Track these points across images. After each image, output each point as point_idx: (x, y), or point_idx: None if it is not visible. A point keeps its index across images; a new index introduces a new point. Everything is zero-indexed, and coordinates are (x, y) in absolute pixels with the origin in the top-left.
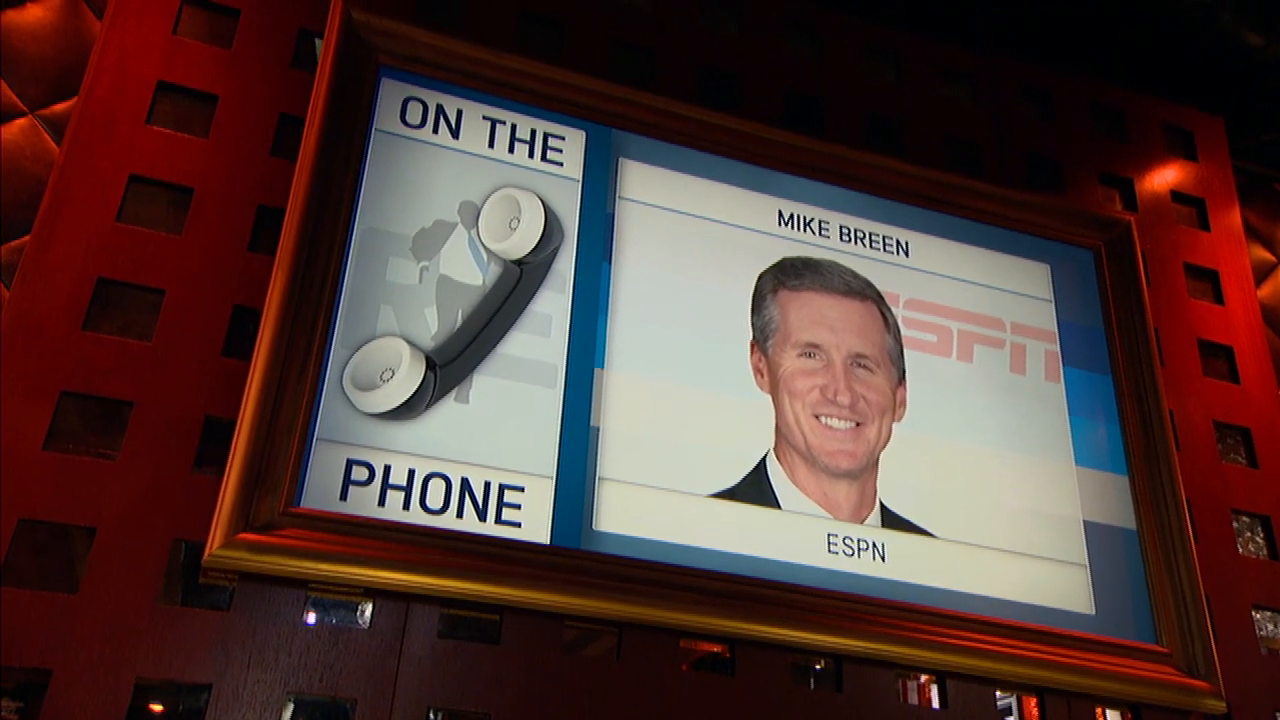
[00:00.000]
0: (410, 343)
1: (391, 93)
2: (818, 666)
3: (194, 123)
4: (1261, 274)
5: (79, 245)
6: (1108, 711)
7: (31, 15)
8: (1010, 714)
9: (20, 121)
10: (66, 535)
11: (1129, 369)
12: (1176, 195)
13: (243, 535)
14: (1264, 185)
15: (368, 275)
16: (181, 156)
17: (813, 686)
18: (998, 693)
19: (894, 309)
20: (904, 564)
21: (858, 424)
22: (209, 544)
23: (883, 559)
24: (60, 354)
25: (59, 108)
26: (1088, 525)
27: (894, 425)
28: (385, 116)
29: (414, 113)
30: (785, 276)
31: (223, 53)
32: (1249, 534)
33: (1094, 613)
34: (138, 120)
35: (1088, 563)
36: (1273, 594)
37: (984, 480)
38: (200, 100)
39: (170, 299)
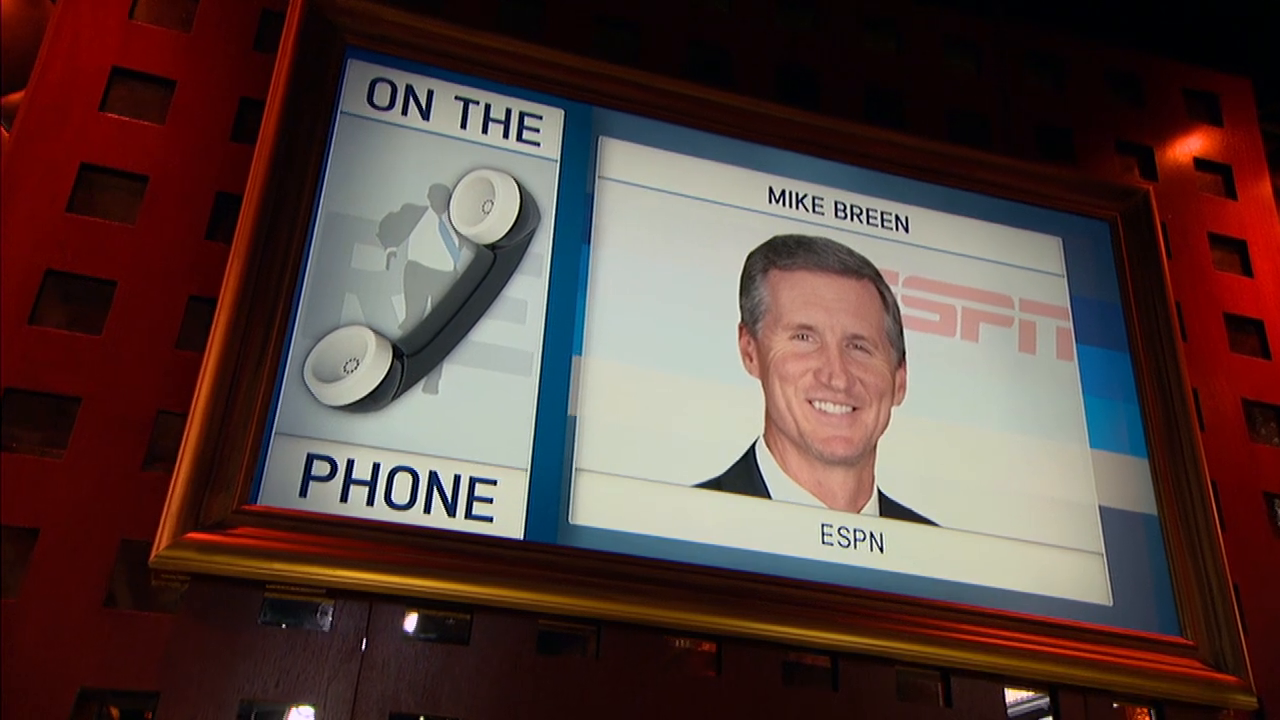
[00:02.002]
0: (376, 331)
1: (358, 74)
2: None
3: (150, 109)
4: None
5: (26, 237)
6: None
7: None
8: (1045, 715)
9: None
10: (7, 537)
11: (1148, 345)
12: (1200, 163)
13: (191, 535)
14: None
15: (331, 262)
16: (136, 144)
17: (807, 685)
18: (1029, 694)
19: (893, 287)
20: (904, 555)
21: (854, 408)
22: (155, 544)
23: (881, 550)
24: (4, 350)
25: (14, 98)
26: (1104, 511)
27: (893, 409)
28: (351, 99)
29: (382, 94)
30: (776, 255)
31: (181, 36)
32: None
33: (1111, 604)
34: (91, 107)
35: (1104, 551)
36: None
37: (991, 465)
38: (157, 85)
39: (122, 290)
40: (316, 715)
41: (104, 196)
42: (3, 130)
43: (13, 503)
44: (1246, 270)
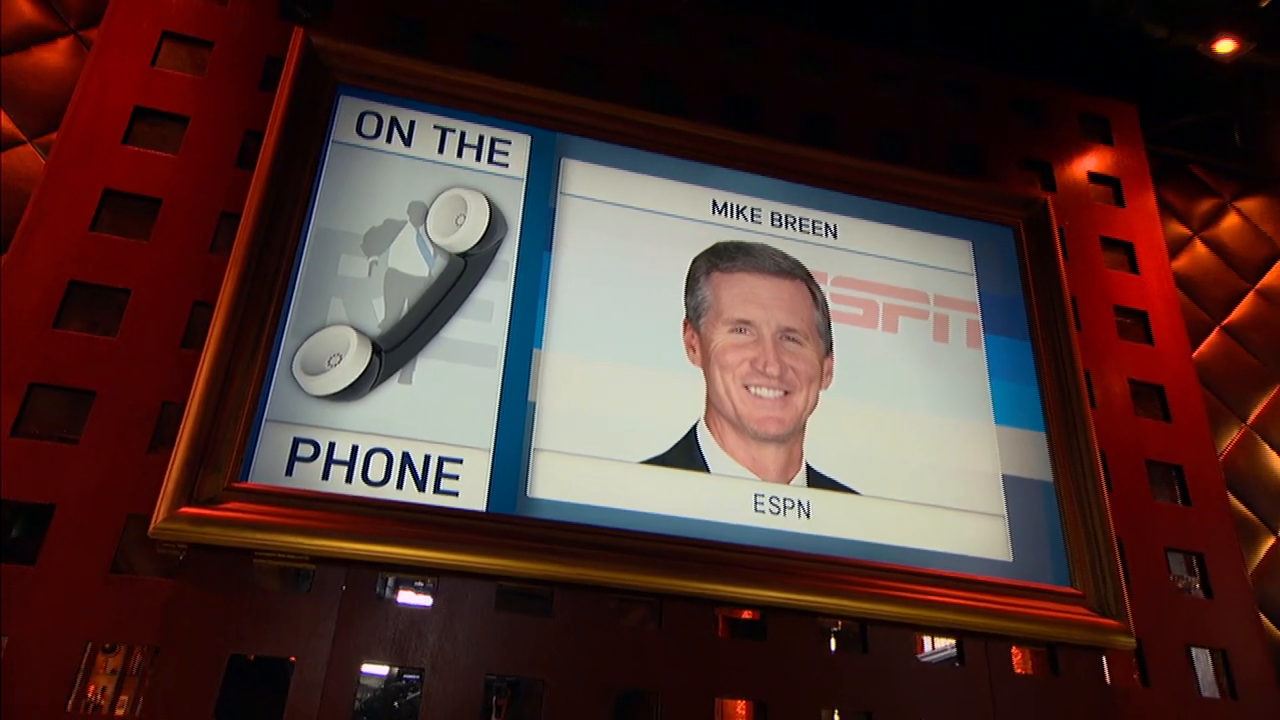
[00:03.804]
0: (358, 330)
1: (349, 108)
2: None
3: (166, 141)
4: (1179, 247)
5: (54, 253)
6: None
7: (36, 57)
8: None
9: (19, 149)
10: (28, 512)
11: (1046, 334)
12: (1093, 176)
13: (185, 509)
14: (1180, 167)
15: (319, 271)
16: (153, 172)
17: (739, 637)
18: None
19: (822, 286)
20: (828, 520)
21: (786, 393)
22: (154, 518)
23: (808, 516)
24: (31, 351)
25: (54, 136)
26: (1006, 479)
27: (821, 393)
28: (342, 129)
29: (369, 125)
30: (718, 259)
31: (196, 79)
32: (1162, 483)
33: (1012, 559)
34: (114, 141)
35: (1006, 513)
36: (1185, 537)
37: (907, 441)
38: (173, 121)
39: (135, 298)
40: (296, 666)
41: (123, 217)
42: (41, 160)
43: (33, 482)
44: (1134, 268)
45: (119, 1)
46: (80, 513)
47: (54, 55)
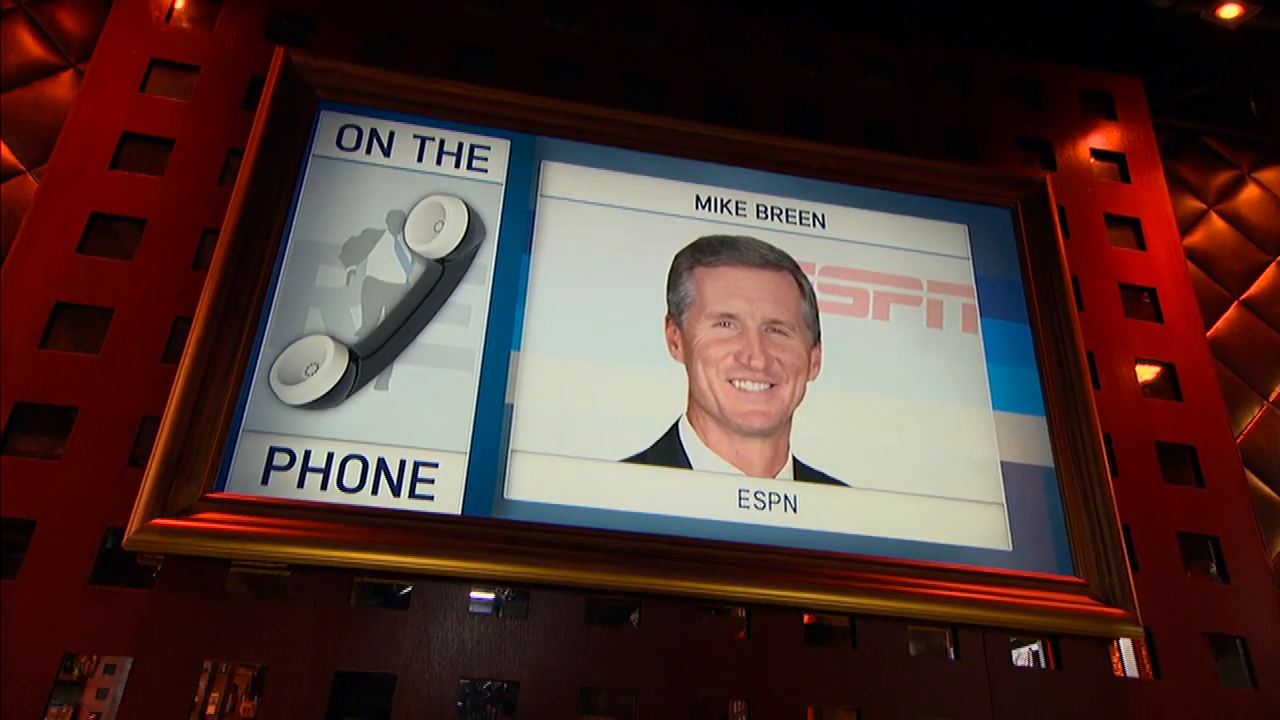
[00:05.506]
0: (335, 338)
1: (330, 122)
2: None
3: (152, 163)
4: (1193, 222)
5: (42, 276)
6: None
7: (38, 91)
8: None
9: (18, 179)
10: (11, 527)
11: (1045, 315)
12: (1097, 153)
13: (156, 520)
14: (1193, 139)
15: (298, 282)
16: (139, 194)
17: (722, 634)
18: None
19: (810, 277)
20: (816, 514)
21: (771, 385)
22: (128, 529)
23: (794, 510)
24: (17, 370)
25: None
26: (1005, 466)
27: (808, 384)
28: (322, 143)
29: (349, 138)
30: (701, 254)
31: (182, 103)
32: (1174, 465)
33: (1011, 549)
34: (103, 166)
35: (1004, 501)
36: (1199, 520)
37: (900, 430)
38: (160, 144)
39: (118, 316)
40: (271, 673)
41: (109, 238)
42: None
43: (15, 498)
44: (1141, 245)
45: (111, 32)
46: (61, 526)
47: (55, 88)
